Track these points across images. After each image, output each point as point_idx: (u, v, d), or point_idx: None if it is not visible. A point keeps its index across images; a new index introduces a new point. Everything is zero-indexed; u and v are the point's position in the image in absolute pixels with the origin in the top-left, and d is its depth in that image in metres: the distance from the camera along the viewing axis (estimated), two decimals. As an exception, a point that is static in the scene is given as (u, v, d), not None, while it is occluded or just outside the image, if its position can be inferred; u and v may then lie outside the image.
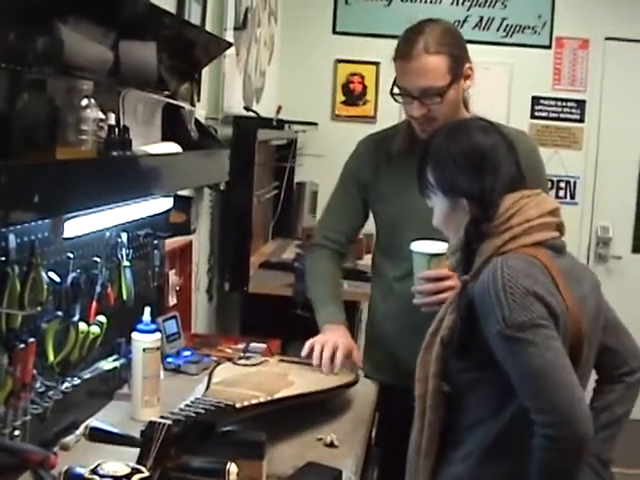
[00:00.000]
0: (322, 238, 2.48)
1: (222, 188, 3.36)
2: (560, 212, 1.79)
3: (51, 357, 1.78)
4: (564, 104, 5.12)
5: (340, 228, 2.47)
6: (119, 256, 2.12)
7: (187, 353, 2.54)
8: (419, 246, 2.08)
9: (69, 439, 1.86)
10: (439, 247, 2.03)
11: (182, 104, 2.26)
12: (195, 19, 2.95)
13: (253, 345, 2.67)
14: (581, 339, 1.67)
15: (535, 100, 5.11)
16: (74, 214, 1.55)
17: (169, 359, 2.47)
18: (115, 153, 1.66)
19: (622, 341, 1.87)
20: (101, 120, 1.63)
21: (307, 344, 2.24)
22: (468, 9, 5.06)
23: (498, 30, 5.07)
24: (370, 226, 2.51)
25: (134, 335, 2.08)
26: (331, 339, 2.24)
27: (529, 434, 1.60)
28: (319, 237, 2.50)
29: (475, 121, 1.89)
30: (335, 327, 2.32)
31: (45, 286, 1.69)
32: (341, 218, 2.47)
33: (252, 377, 2.11)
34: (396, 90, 2.25)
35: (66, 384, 1.89)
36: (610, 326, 1.84)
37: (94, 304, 1.97)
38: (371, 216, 2.48)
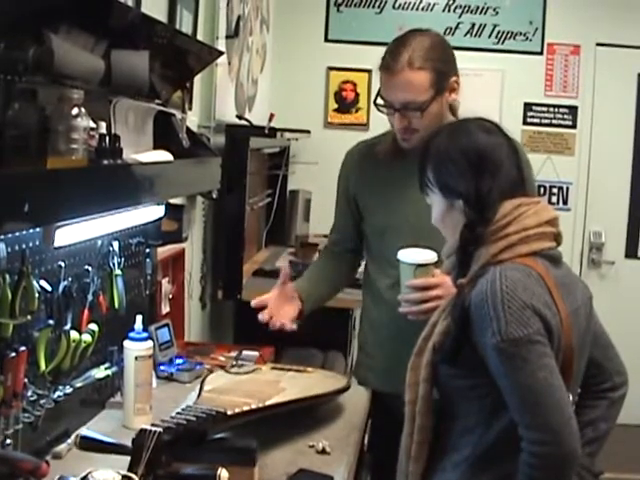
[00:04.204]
0: (330, 243, 2.61)
1: (214, 196, 3.36)
2: (558, 222, 1.75)
3: (43, 366, 1.78)
4: (556, 110, 5.13)
5: (344, 235, 2.54)
6: (111, 264, 2.12)
7: (180, 361, 2.54)
8: (406, 255, 2.06)
9: (61, 448, 1.87)
10: (426, 256, 2.03)
11: (174, 112, 2.26)
12: (186, 28, 2.96)
13: (246, 353, 2.68)
14: (572, 352, 1.66)
15: (527, 106, 5.12)
16: (65, 223, 1.55)
17: (162, 367, 2.47)
18: (106, 162, 1.67)
19: (608, 356, 1.86)
20: (92, 129, 1.63)
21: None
22: (460, 16, 5.08)
23: (490, 37, 5.09)
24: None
25: (126, 343, 2.08)
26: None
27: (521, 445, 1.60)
28: (328, 242, 2.63)
29: (479, 121, 1.79)
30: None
31: (36, 295, 1.69)
32: (342, 227, 2.54)
33: (244, 384, 2.12)
34: (380, 101, 2.26)
35: (58, 393, 1.89)
36: (597, 340, 1.83)
37: (86, 312, 1.97)
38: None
